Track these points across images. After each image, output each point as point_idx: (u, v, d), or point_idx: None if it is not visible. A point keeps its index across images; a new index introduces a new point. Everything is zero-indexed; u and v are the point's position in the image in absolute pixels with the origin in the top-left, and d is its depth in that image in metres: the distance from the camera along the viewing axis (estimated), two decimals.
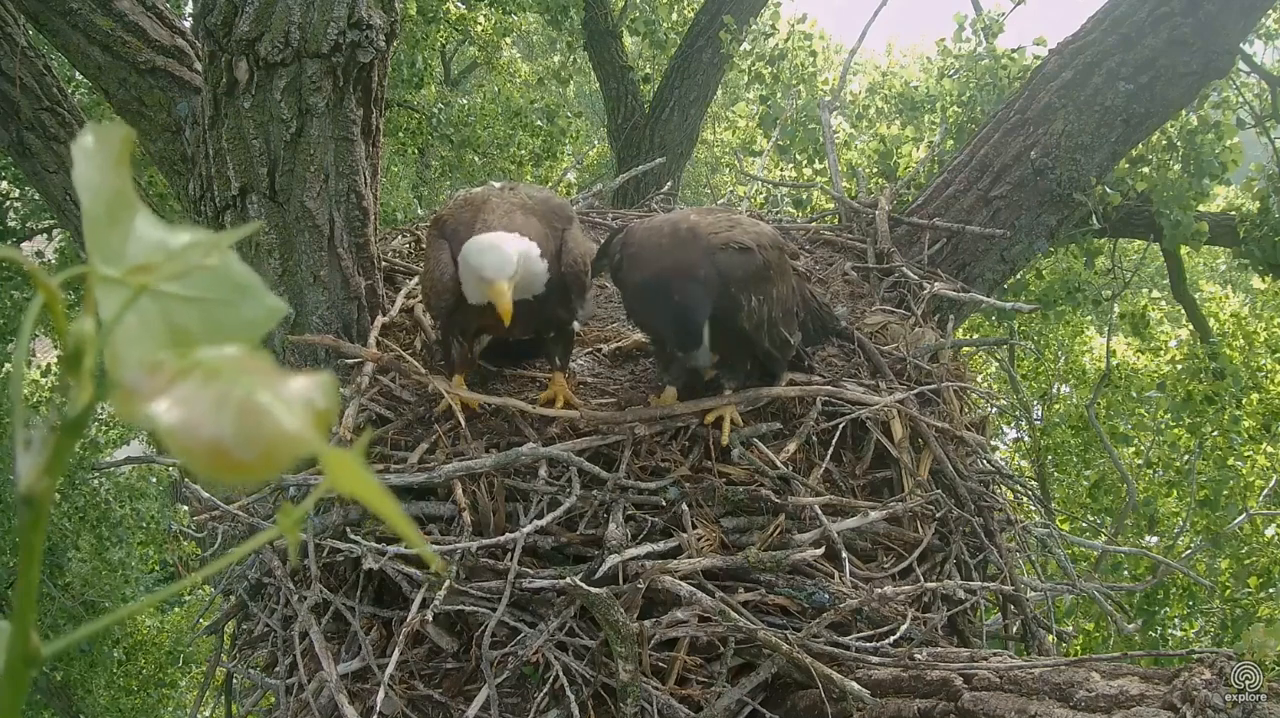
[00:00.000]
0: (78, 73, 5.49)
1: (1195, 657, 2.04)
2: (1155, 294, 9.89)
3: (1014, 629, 3.39)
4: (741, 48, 6.98)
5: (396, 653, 2.53)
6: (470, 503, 2.67)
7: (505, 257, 2.61)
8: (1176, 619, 6.80)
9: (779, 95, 6.68)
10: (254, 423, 0.48)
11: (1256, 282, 8.73)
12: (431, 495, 2.76)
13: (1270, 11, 6.16)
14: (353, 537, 2.69)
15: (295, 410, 0.49)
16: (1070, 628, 4.28)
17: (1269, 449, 7.54)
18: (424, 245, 3.15)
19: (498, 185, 3.11)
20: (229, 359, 0.51)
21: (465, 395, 2.88)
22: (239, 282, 0.61)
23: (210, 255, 0.60)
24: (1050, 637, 3.37)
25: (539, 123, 8.97)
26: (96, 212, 0.58)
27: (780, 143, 6.19)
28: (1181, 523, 7.02)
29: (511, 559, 2.57)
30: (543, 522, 2.60)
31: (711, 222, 2.79)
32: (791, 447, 2.92)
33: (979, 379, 5.50)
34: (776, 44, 7.27)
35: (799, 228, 4.61)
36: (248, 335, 0.61)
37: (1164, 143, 5.27)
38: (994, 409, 4.43)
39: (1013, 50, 6.21)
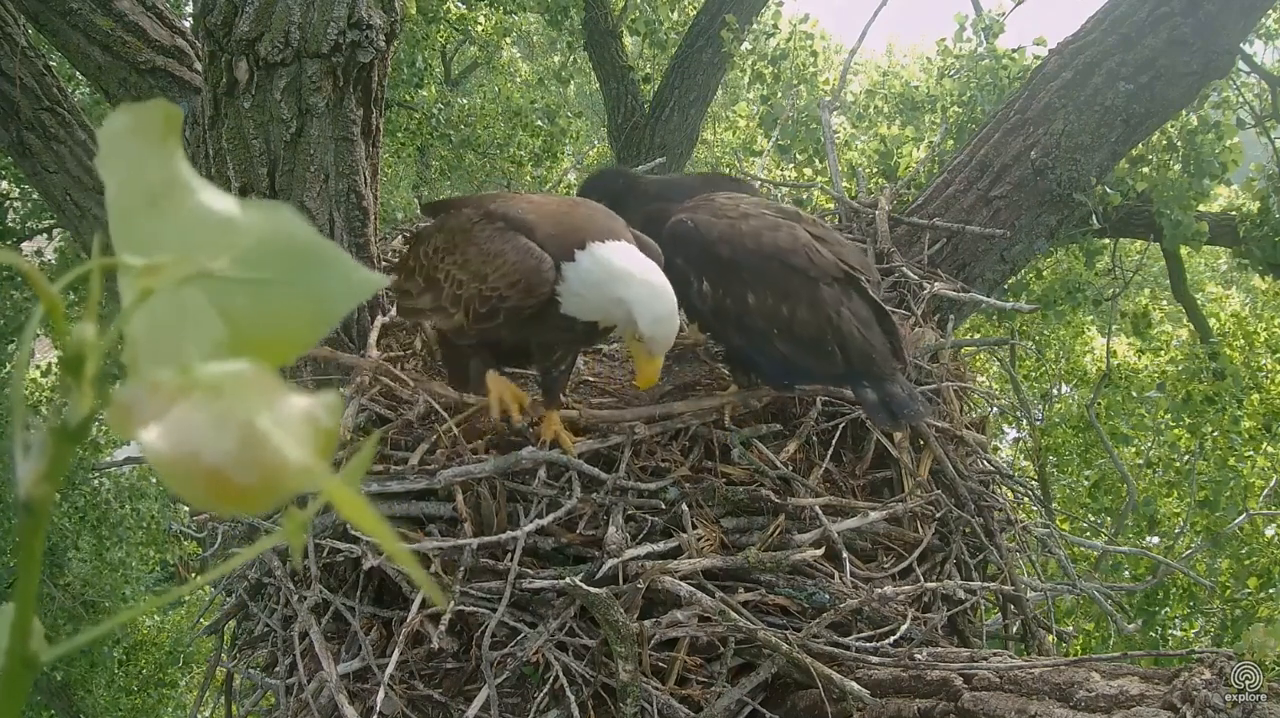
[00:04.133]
0: (78, 73, 5.49)
1: (1195, 657, 2.04)
2: (1155, 294, 9.88)
3: (1014, 629, 3.39)
4: (743, 47, 6.98)
5: (396, 653, 2.53)
6: (473, 504, 2.67)
7: (673, 318, 2.36)
8: (1176, 619, 6.79)
9: (780, 95, 6.68)
10: (255, 450, 0.45)
11: (1257, 281, 8.73)
12: (432, 496, 2.76)
13: (1270, 11, 6.16)
14: (353, 536, 2.69)
15: (298, 435, 0.46)
16: (1070, 628, 4.27)
17: (1269, 449, 7.53)
18: (463, 237, 2.55)
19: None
20: (231, 377, 0.47)
21: (517, 394, 2.69)
22: (312, 254, 0.54)
23: (271, 227, 0.54)
24: (1050, 637, 3.36)
25: (539, 123, 8.97)
26: (129, 202, 0.54)
27: (780, 143, 6.19)
28: (1181, 523, 7.02)
29: (512, 560, 2.57)
30: (544, 522, 2.60)
31: (737, 206, 2.87)
32: (791, 447, 2.92)
33: (980, 379, 5.49)
34: (778, 44, 7.27)
35: None
36: (324, 317, 0.55)
37: (1164, 143, 5.27)
38: (994, 409, 4.43)
39: (1013, 50, 6.20)
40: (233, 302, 0.53)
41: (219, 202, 0.55)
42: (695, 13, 7.80)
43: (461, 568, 2.58)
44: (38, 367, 9.04)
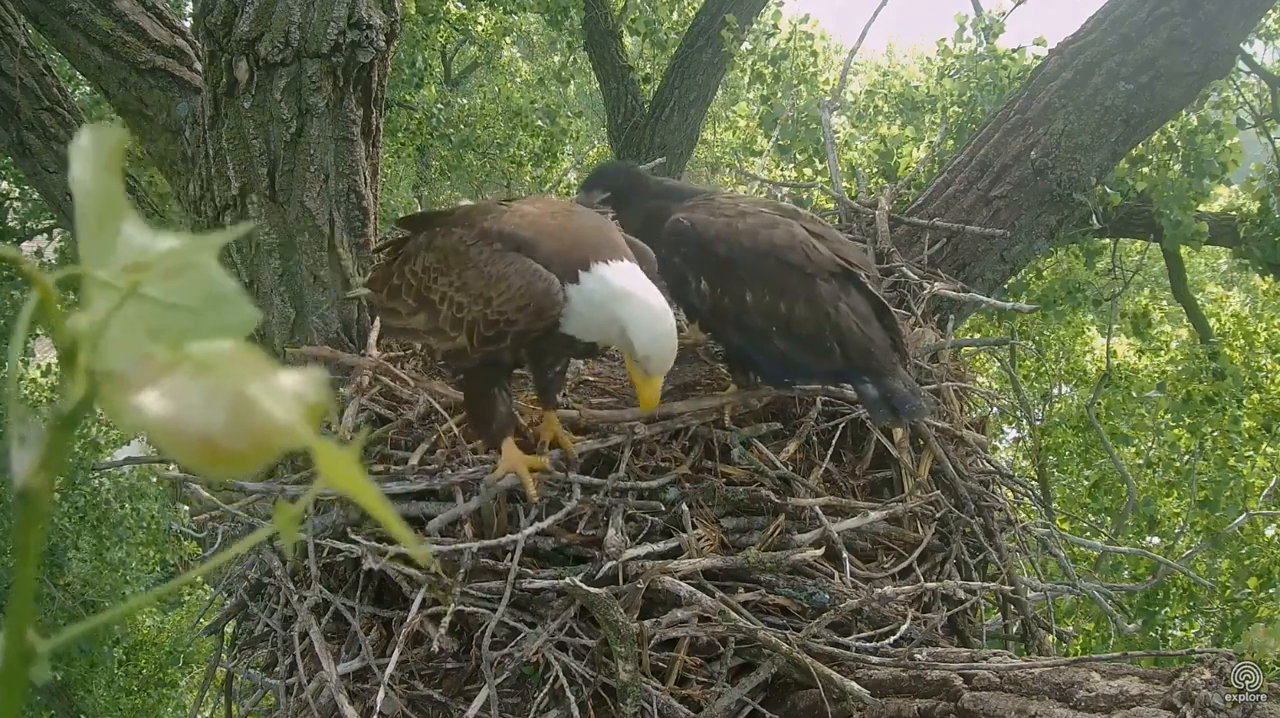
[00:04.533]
0: (78, 73, 5.50)
1: (1195, 657, 2.04)
2: (1156, 293, 9.89)
3: (1014, 629, 3.39)
4: (743, 47, 6.98)
5: (396, 653, 2.53)
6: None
7: (672, 339, 2.33)
8: (1176, 619, 6.79)
9: (780, 95, 6.68)
10: (244, 414, 0.48)
11: (1257, 281, 8.73)
12: (432, 496, 2.76)
13: (1270, 11, 6.16)
14: (353, 537, 2.69)
15: (286, 403, 0.49)
16: (1070, 628, 4.27)
17: (1269, 449, 7.53)
18: (457, 258, 2.47)
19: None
20: (220, 353, 0.50)
21: (532, 461, 2.63)
22: (216, 289, 0.60)
23: (190, 260, 0.59)
24: (1050, 637, 3.36)
25: (539, 123, 8.97)
26: (87, 213, 0.58)
27: (780, 143, 6.19)
28: (1181, 523, 7.02)
29: (512, 560, 2.57)
30: (543, 523, 2.60)
31: (735, 205, 2.88)
32: (791, 447, 2.92)
33: (980, 379, 5.49)
34: (778, 44, 7.27)
35: None
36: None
37: (1164, 143, 5.27)
38: (994, 409, 4.43)
39: (1013, 50, 6.21)
40: (156, 320, 0.57)
41: (141, 231, 0.60)
42: (695, 13, 7.80)
43: (462, 569, 2.58)
44: (38, 366, 9.05)
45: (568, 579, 2.39)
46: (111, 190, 0.58)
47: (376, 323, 3.32)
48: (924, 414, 2.87)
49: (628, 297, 2.33)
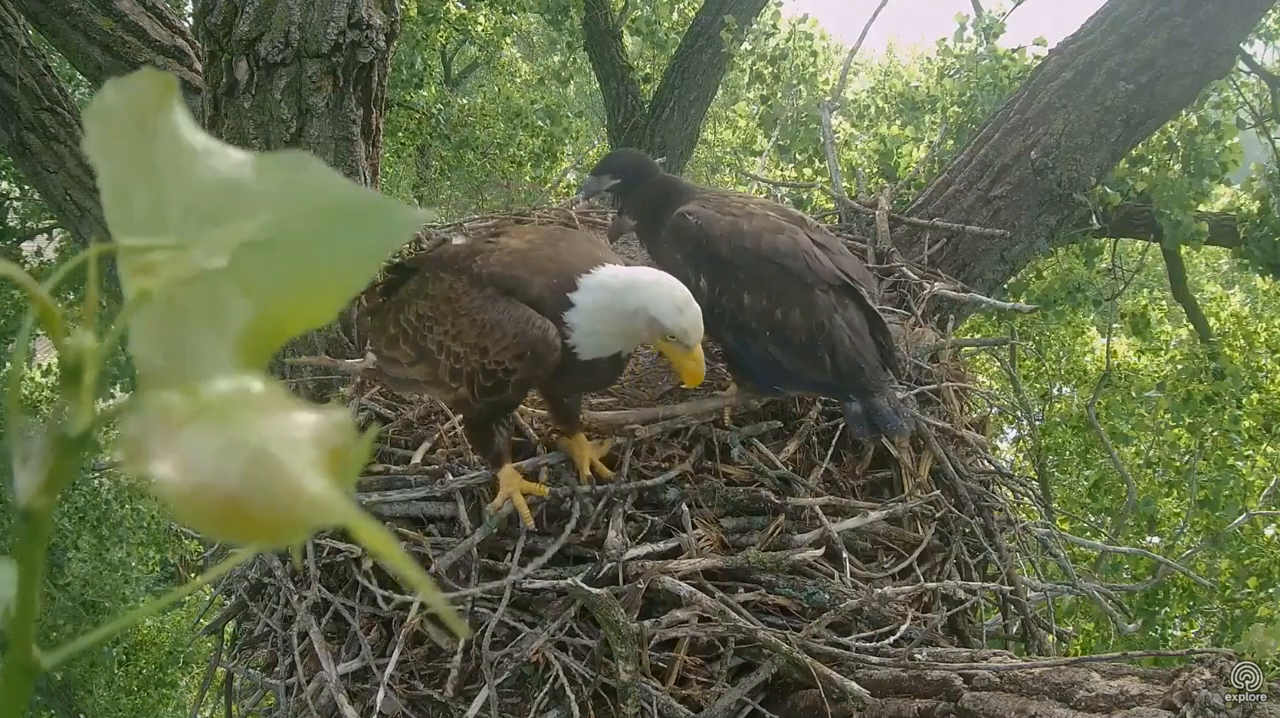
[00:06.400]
0: (78, 73, 5.50)
1: (1195, 657, 2.04)
2: (1156, 294, 9.88)
3: (1014, 629, 3.39)
4: (742, 47, 6.98)
5: (396, 653, 2.53)
6: (474, 506, 2.67)
7: (695, 304, 2.28)
8: (1176, 619, 6.79)
9: (779, 95, 6.68)
10: (269, 480, 0.42)
11: (1257, 281, 8.73)
12: (432, 496, 2.76)
13: (1270, 11, 6.15)
14: (353, 536, 2.69)
15: (310, 459, 0.43)
16: (1070, 628, 4.27)
17: (1269, 449, 7.53)
18: (449, 307, 2.40)
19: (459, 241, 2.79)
20: (238, 398, 0.44)
21: (530, 487, 2.59)
22: (344, 205, 0.49)
23: (291, 185, 0.49)
24: (1050, 637, 3.36)
25: (539, 123, 8.97)
26: (128, 183, 0.50)
27: (780, 143, 6.19)
28: (1181, 523, 7.02)
29: (511, 560, 2.57)
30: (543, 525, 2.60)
31: (744, 205, 2.89)
32: (791, 447, 2.92)
33: (980, 379, 5.49)
34: (777, 44, 7.27)
35: None
36: (363, 268, 0.50)
37: (1164, 143, 5.28)
38: (994, 409, 4.43)
39: (1013, 50, 6.21)
40: (256, 273, 0.49)
41: (231, 165, 0.51)
42: (695, 13, 7.80)
43: (461, 570, 2.58)
44: (38, 366, 9.04)
45: (568, 579, 2.39)
46: (173, 135, 0.50)
47: None
48: (904, 433, 2.87)
49: (635, 282, 2.29)
